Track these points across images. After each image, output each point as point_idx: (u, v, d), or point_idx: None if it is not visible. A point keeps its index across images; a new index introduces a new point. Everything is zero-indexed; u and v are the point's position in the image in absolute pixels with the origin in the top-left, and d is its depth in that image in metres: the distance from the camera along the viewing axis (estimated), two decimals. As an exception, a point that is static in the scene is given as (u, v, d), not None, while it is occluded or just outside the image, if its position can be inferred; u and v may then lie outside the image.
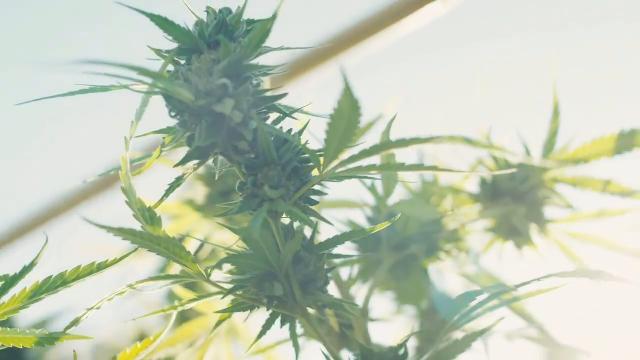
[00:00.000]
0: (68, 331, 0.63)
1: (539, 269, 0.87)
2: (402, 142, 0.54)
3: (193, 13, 0.61)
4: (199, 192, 0.92)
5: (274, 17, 0.55)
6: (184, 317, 1.13)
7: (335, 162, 0.57)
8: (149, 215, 0.60)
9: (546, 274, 0.59)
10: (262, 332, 0.65)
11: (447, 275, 0.85)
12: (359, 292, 0.77)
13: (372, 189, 0.77)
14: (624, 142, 0.76)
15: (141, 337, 1.22)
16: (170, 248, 0.60)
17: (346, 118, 0.52)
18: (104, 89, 0.64)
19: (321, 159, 0.58)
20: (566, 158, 0.79)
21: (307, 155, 0.60)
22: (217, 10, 0.61)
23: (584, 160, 0.79)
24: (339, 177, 0.59)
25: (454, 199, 0.82)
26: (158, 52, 0.60)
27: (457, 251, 0.82)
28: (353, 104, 0.51)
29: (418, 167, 0.56)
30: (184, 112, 0.59)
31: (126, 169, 0.60)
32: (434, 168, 0.56)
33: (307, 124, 0.64)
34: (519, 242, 0.84)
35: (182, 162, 0.61)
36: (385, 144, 0.54)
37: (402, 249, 0.78)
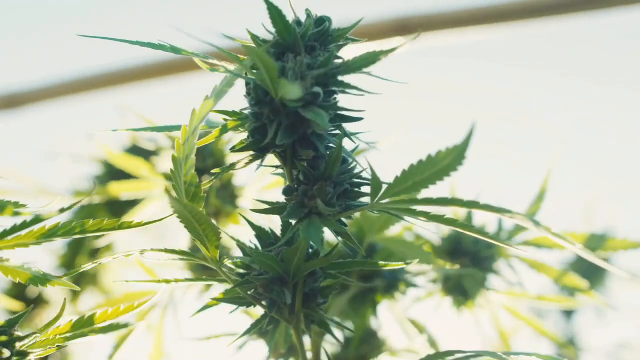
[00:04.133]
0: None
1: (467, 330, 0.92)
2: (473, 204, 0.56)
3: (293, 11, 0.61)
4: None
5: (390, 50, 0.56)
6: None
7: (393, 199, 0.59)
8: (193, 192, 0.60)
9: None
10: (248, 331, 0.66)
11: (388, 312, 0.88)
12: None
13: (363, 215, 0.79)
14: (593, 242, 0.82)
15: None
16: (206, 230, 0.59)
17: (439, 168, 0.54)
18: (175, 50, 0.63)
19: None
20: (532, 241, 0.85)
21: (358, 179, 0.62)
22: (316, 16, 0.62)
23: (549, 247, 0.84)
24: (386, 211, 0.60)
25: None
26: (254, 38, 0.60)
27: (404, 294, 0.85)
28: (457, 160, 0.53)
29: (467, 226, 0.59)
30: (265, 105, 0.59)
31: (186, 139, 0.59)
32: (482, 233, 0.59)
33: (356, 147, 0.65)
34: (459, 300, 0.88)
35: (242, 150, 0.61)
36: (455, 201, 0.57)
37: (369, 280, 0.81)
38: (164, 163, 0.92)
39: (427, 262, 0.74)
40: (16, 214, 0.55)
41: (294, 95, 0.54)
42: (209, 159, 0.88)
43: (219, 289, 0.87)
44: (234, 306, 0.67)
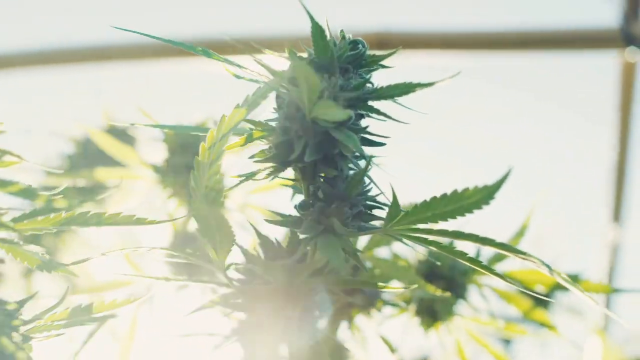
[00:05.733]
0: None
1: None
2: (488, 242, 0.58)
3: (329, 31, 0.62)
4: (160, 154, 0.90)
5: (428, 84, 0.58)
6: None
7: (408, 226, 0.60)
8: (213, 197, 0.60)
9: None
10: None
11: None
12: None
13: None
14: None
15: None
16: (222, 236, 0.60)
17: (463, 204, 0.56)
18: (206, 53, 0.63)
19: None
20: (506, 274, 0.87)
21: (372, 202, 0.63)
22: (349, 38, 0.63)
23: (521, 282, 0.87)
24: (398, 237, 0.62)
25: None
26: (292, 54, 0.61)
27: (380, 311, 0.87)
28: (484, 200, 0.55)
29: (475, 261, 0.61)
30: (295, 121, 0.59)
31: (212, 144, 0.60)
32: (491, 270, 0.61)
33: (369, 167, 0.66)
34: (428, 322, 0.91)
35: (264, 161, 0.62)
36: (470, 236, 0.59)
37: (349, 296, 0.82)
38: (152, 154, 0.91)
39: (414, 282, 0.75)
40: (49, 201, 0.54)
41: (338, 117, 0.55)
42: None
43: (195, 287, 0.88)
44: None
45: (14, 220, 0.57)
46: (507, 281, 0.62)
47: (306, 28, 0.61)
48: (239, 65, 0.62)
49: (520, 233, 0.87)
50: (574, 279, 0.85)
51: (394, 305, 0.86)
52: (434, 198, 0.57)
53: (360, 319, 0.87)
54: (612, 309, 1.58)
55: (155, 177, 0.88)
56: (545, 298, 0.76)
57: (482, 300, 0.90)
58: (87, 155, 1.07)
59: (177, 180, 0.87)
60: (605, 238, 1.47)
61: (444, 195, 0.57)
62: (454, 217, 0.57)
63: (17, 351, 0.54)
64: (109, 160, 0.96)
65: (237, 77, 0.64)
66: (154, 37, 0.62)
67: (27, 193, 0.55)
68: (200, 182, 0.60)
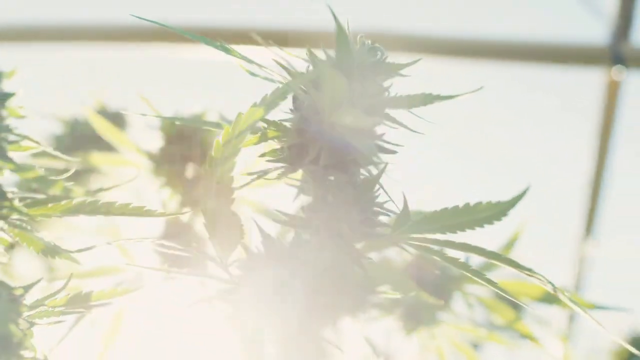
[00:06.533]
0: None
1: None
2: (495, 256, 0.59)
3: (347, 39, 0.62)
4: (156, 141, 0.89)
5: (448, 97, 0.58)
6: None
7: (419, 235, 0.61)
8: (224, 193, 0.60)
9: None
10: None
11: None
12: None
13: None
14: (549, 296, 0.87)
15: None
16: (232, 233, 0.60)
17: (474, 218, 0.57)
18: (225, 50, 0.63)
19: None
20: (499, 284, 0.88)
21: (380, 209, 0.63)
22: (369, 44, 0.63)
23: (507, 293, 0.88)
24: (408, 244, 0.62)
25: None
26: (313, 55, 0.61)
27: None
28: (496, 215, 0.55)
29: (479, 274, 0.62)
30: (313, 124, 0.60)
31: (227, 141, 0.60)
32: (494, 284, 0.62)
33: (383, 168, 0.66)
34: (411, 327, 0.91)
35: (276, 161, 0.62)
36: (476, 250, 0.59)
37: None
38: (147, 140, 0.91)
39: (411, 293, 0.76)
40: (67, 190, 0.54)
41: (358, 124, 0.55)
42: (196, 148, 0.88)
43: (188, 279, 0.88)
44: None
45: (27, 205, 0.56)
46: (505, 294, 0.63)
47: (304, 23, 0.61)
48: (259, 65, 0.62)
49: (509, 245, 0.88)
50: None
51: (380, 308, 0.86)
52: (445, 209, 0.58)
53: (344, 320, 0.87)
54: (577, 322, 1.61)
55: (149, 164, 0.88)
56: (521, 307, 0.78)
57: (467, 307, 0.91)
58: (78, 138, 1.06)
59: (172, 169, 0.87)
60: (576, 251, 1.49)
61: (456, 207, 0.57)
62: (463, 230, 0.58)
63: (23, 337, 0.53)
64: (101, 144, 0.95)
65: (252, 74, 0.64)
66: (170, 27, 0.62)
67: (42, 180, 0.54)
68: (213, 178, 0.60)
